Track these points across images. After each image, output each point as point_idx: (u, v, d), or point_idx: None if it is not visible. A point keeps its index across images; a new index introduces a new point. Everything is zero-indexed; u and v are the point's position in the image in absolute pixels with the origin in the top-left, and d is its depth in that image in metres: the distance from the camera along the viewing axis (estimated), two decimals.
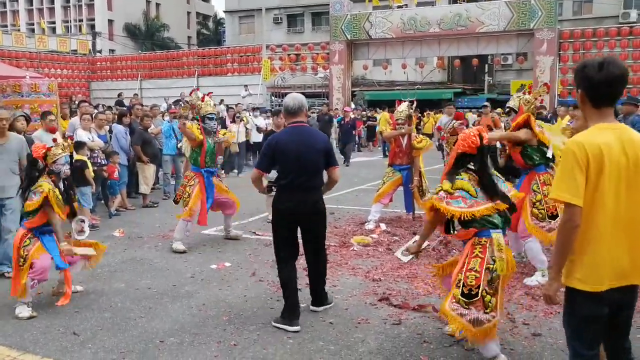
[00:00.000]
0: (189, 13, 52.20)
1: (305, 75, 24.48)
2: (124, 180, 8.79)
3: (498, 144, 10.10)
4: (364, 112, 21.94)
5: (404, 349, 3.72)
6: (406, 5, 24.82)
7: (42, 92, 8.64)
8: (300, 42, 25.69)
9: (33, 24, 45.55)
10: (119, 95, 21.79)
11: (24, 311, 4.33)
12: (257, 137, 13.34)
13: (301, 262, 4.44)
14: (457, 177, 3.50)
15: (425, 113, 21.23)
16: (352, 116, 17.89)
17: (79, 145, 7.29)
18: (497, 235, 3.42)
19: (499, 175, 3.62)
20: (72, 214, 4.70)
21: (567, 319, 2.44)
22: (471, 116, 16.57)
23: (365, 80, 29.07)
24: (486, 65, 30.12)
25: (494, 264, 3.34)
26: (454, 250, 5.85)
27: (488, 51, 22.98)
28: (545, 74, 19.93)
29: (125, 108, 12.93)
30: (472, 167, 3.51)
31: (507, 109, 5.55)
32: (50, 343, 3.88)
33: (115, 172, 8.38)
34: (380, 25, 21.92)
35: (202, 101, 6.50)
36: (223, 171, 12.18)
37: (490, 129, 9.09)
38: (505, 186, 3.55)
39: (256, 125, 13.80)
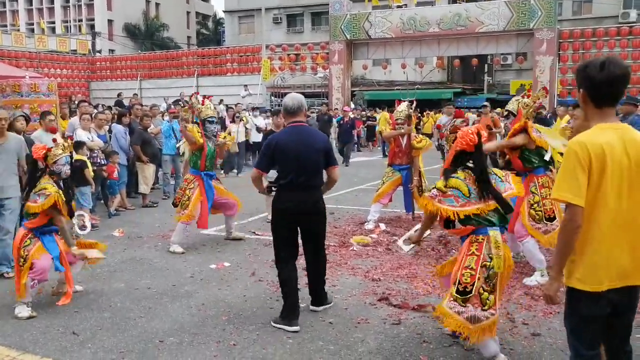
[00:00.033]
0: (188, 13, 52.20)
1: (305, 75, 24.48)
2: (123, 180, 8.79)
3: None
4: (363, 112, 21.94)
5: (404, 348, 3.72)
6: (406, 5, 24.81)
7: (41, 92, 8.64)
8: (300, 42, 25.70)
9: (33, 24, 45.55)
10: (119, 95, 21.79)
11: (23, 311, 4.33)
12: (256, 137, 13.35)
13: (301, 262, 4.44)
14: (452, 175, 3.51)
15: (424, 113, 21.24)
16: (352, 116, 17.89)
17: (78, 145, 7.29)
18: (494, 232, 3.44)
19: (498, 174, 3.62)
20: (70, 213, 4.70)
21: (568, 319, 2.44)
22: (471, 116, 16.56)
23: (365, 80, 29.08)
24: (486, 65, 30.12)
25: (490, 262, 3.36)
26: (453, 250, 5.86)
27: (488, 51, 22.98)
28: (544, 74, 19.94)
29: (124, 108, 12.93)
30: (470, 165, 3.51)
31: (507, 113, 5.57)
32: (49, 343, 3.88)
33: (114, 172, 8.38)
34: (379, 25, 21.92)
35: (203, 105, 6.49)
36: (222, 171, 12.27)
37: (490, 129, 9.10)
38: (503, 185, 3.55)
39: (256, 125, 13.80)
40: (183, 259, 5.95)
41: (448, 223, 3.56)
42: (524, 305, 4.44)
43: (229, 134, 12.76)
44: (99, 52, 33.96)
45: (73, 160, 5.02)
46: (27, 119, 6.78)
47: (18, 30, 36.99)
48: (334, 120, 17.53)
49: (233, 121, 13.55)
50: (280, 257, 4.21)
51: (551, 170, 5.18)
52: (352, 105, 22.09)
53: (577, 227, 2.25)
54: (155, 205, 9.16)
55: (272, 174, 4.39)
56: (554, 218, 4.93)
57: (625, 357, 2.47)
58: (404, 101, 7.50)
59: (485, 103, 13.98)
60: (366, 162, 16.24)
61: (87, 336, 3.97)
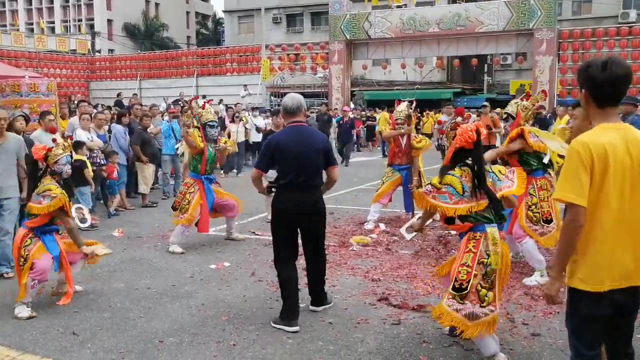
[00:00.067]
0: (188, 13, 52.19)
1: (305, 75, 24.48)
2: (123, 180, 8.79)
3: (498, 143, 10.08)
4: (363, 112, 21.94)
5: (403, 349, 3.72)
6: (405, 5, 24.80)
7: (41, 92, 8.64)
8: (300, 42, 25.69)
9: (32, 24, 45.54)
10: (118, 95, 21.78)
11: (23, 311, 4.32)
12: (256, 137, 13.36)
13: (300, 262, 4.44)
14: (449, 172, 3.52)
15: (424, 113, 21.25)
16: (352, 116, 17.89)
17: (77, 145, 7.29)
18: (491, 229, 3.45)
19: (496, 172, 3.61)
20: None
21: (569, 319, 2.43)
22: (471, 117, 16.57)
23: (365, 80, 29.08)
24: (485, 65, 30.12)
25: (488, 258, 3.37)
26: (453, 250, 5.86)
27: (487, 51, 22.98)
28: (544, 74, 19.95)
29: (124, 108, 12.93)
30: (469, 163, 3.52)
31: (505, 115, 5.60)
32: (49, 343, 3.88)
33: (114, 172, 8.38)
34: (379, 25, 21.92)
35: (203, 109, 6.49)
36: (222, 171, 12.27)
37: (490, 129, 9.12)
38: (500, 184, 3.55)
39: (255, 125, 13.80)
40: (183, 259, 5.95)
41: (449, 219, 3.57)
42: (524, 305, 4.44)
43: (229, 134, 12.87)
44: (99, 52, 33.95)
45: (73, 160, 5.02)
46: (27, 119, 6.78)
47: (17, 30, 36.96)
48: (334, 120, 17.53)
49: (233, 121, 13.56)
50: (279, 257, 4.21)
51: (549, 173, 5.24)
52: (352, 105, 22.09)
53: (580, 227, 2.25)
54: (154, 205, 9.16)
55: (272, 174, 4.39)
56: (551, 220, 5.02)
57: (627, 359, 2.47)
58: (404, 101, 7.50)
59: (485, 103, 13.98)
60: (366, 162, 16.24)
61: (87, 336, 3.97)
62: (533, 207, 5.06)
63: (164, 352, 3.71)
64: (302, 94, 4.62)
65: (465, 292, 3.36)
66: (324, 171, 4.27)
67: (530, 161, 5.09)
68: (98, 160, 7.99)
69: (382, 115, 18.44)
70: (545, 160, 5.14)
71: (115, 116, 10.09)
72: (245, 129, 13.65)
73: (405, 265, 5.53)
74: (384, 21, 21.87)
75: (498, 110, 13.35)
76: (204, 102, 6.64)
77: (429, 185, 3.58)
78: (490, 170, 3.58)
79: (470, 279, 3.35)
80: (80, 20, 44.03)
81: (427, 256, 5.87)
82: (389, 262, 5.68)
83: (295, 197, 4.09)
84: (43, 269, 4.37)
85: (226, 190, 6.83)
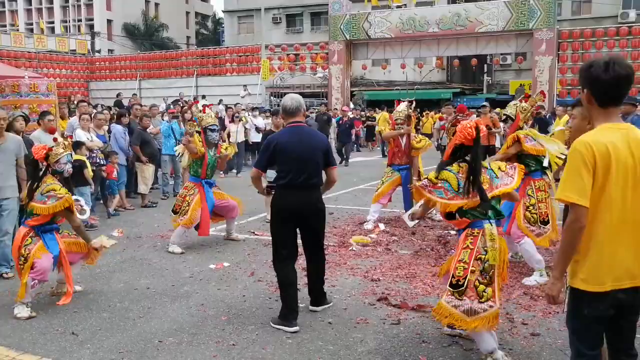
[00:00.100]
0: (187, 13, 52.19)
1: (304, 75, 24.48)
2: (122, 180, 8.79)
3: (497, 144, 10.08)
4: (362, 112, 21.95)
5: (403, 348, 3.72)
6: (405, 5, 24.83)
7: (40, 92, 8.64)
8: (299, 42, 25.70)
9: (32, 24, 45.53)
10: (118, 95, 21.78)
11: (22, 311, 4.32)
12: (256, 137, 13.36)
13: (300, 262, 4.44)
14: (446, 167, 3.54)
15: (424, 113, 21.25)
16: (351, 116, 17.89)
17: (77, 145, 7.29)
18: (489, 225, 3.47)
19: (494, 170, 3.61)
20: None
21: (570, 319, 2.43)
22: (472, 114, 16.57)
23: (364, 80, 29.08)
24: (485, 65, 30.13)
25: (485, 254, 3.38)
26: (452, 250, 5.85)
27: (487, 51, 23.00)
28: (544, 74, 19.96)
29: (124, 108, 12.93)
30: (467, 159, 3.53)
31: (504, 117, 5.62)
32: (49, 343, 3.88)
33: (114, 172, 8.38)
34: (379, 25, 21.92)
35: (204, 113, 6.49)
36: (222, 172, 12.26)
37: (490, 129, 9.12)
38: (497, 181, 3.55)
39: (255, 125, 13.80)
40: (182, 259, 5.95)
41: (449, 214, 3.58)
42: (524, 305, 4.44)
43: (228, 134, 12.87)
44: (98, 52, 33.93)
45: (72, 160, 5.02)
46: (26, 119, 6.78)
47: (17, 30, 36.94)
48: (334, 120, 17.53)
49: (232, 121, 13.56)
50: (279, 257, 4.20)
51: (547, 175, 5.28)
52: (352, 106, 22.09)
53: (582, 228, 2.24)
54: (154, 205, 9.16)
55: (272, 174, 4.39)
56: (548, 222, 5.09)
57: None
58: (404, 101, 7.51)
59: (485, 103, 13.97)
60: (365, 162, 16.24)
61: (87, 336, 3.97)
62: (531, 207, 5.11)
63: (164, 352, 3.71)
64: (301, 94, 4.63)
65: (463, 288, 3.38)
66: (323, 171, 4.28)
67: (528, 163, 5.11)
68: (98, 161, 7.98)
69: (381, 116, 18.43)
70: (545, 163, 5.20)
71: (115, 116, 10.08)
72: (245, 129, 13.65)
73: (405, 265, 5.53)
74: (384, 21, 21.88)
75: (498, 110, 13.35)
76: (204, 106, 6.64)
77: (426, 180, 3.60)
78: (489, 167, 3.58)
79: (467, 275, 3.38)
80: (79, 20, 44.04)
81: (426, 256, 5.87)
82: (389, 262, 5.68)
83: (295, 197, 4.09)
84: (44, 268, 4.38)
85: (226, 191, 6.84)
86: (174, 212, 6.38)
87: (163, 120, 10.93)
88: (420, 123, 19.52)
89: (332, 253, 5.92)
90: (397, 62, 25.39)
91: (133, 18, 43.99)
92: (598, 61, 2.31)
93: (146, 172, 9.24)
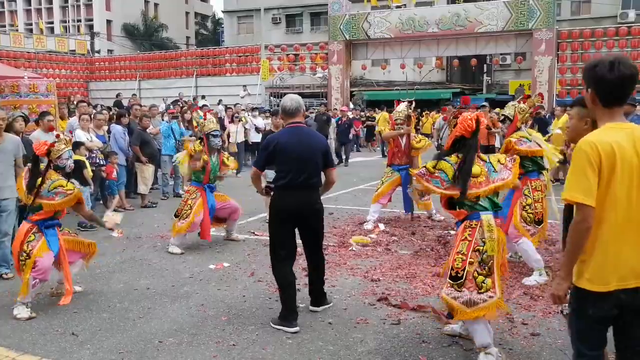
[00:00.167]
0: (187, 13, 52.17)
1: (304, 75, 24.48)
2: (122, 180, 8.78)
3: (497, 144, 10.08)
4: (362, 112, 21.95)
5: (403, 348, 3.72)
6: (405, 5, 24.83)
7: (40, 92, 8.65)
8: (299, 42, 25.69)
9: (31, 24, 45.49)
10: (118, 95, 21.76)
11: (22, 312, 4.32)
12: (255, 137, 13.35)
13: (300, 262, 4.44)
14: (445, 158, 3.57)
15: (424, 113, 21.26)
16: (351, 116, 17.88)
17: (77, 146, 7.27)
18: (486, 217, 3.49)
19: (493, 164, 3.61)
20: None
21: (574, 319, 2.42)
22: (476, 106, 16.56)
23: (364, 80, 29.08)
24: (485, 65, 30.14)
25: (484, 246, 3.40)
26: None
27: (487, 51, 23.00)
28: (543, 74, 19.97)
29: (123, 108, 12.93)
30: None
31: (503, 117, 5.63)
32: (49, 344, 3.87)
33: (113, 173, 8.37)
34: (378, 25, 21.92)
35: (205, 119, 6.49)
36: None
37: (489, 129, 9.12)
38: (495, 175, 3.55)
39: (255, 125, 13.80)
40: (182, 260, 5.95)
41: (450, 204, 3.59)
42: (524, 305, 4.44)
43: (228, 135, 12.86)
44: (98, 52, 33.90)
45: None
46: (26, 120, 6.78)
47: (17, 30, 36.95)
48: (333, 120, 17.54)
49: (232, 121, 13.55)
50: (277, 257, 4.19)
51: (544, 175, 5.33)
52: (352, 106, 22.09)
53: (589, 228, 2.23)
54: (154, 205, 9.16)
55: (271, 174, 4.39)
56: (542, 221, 5.16)
57: None
58: (403, 101, 7.51)
59: (485, 103, 13.99)
60: (365, 162, 16.25)
61: (86, 337, 3.97)
62: (527, 207, 5.14)
63: (164, 352, 3.71)
64: (301, 94, 4.64)
65: (462, 280, 3.40)
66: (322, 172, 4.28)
67: (524, 163, 5.13)
68: (97, 161, 7.98)
69: (381, 116, 18.42)
70: (546, 166, 5.29)
71: (115, 116, 10.08)
72: (245, 129, 13.65)
73: (405, 265, 5.53)
74: (383, 21, 21.88)
75: (497, 110, 13.35)
76: (205, 112, 6.64)
77: (424, 169, 3.64)
78: (488, 161, 3.59)
79: (465, 267, 3.40)
80: (79, 20, 44.00)
81: (426, 256, 5.87)
82: (389, 262, 5.68)
83: (294, 198, 4.10)
84: (45, 268, 4.38)
85: (225, 191, 6.84)
86: (176, 215, 6.35)
87: (163, 120, 10.93)
88: (420, 123, 19.55)
89: (332, 253, 5.92)
90: (396, 62, 25.39)
91: (132, 18, 43.98)
92: (603, 61, 2.31)
93: (146, 173, 9.24)
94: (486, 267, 3.40)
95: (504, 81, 29.93)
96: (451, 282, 3.45)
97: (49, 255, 4.44)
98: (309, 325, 4.10)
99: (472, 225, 3.49)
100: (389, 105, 18.40)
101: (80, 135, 7.90)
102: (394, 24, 21.72)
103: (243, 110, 15.07)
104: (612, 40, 19.69)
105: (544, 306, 4.38)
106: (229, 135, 12.95)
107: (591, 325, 2.35)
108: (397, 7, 23.21)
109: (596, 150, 2.22)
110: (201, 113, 6.65)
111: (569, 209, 2.61)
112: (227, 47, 28.27)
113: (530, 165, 5.20)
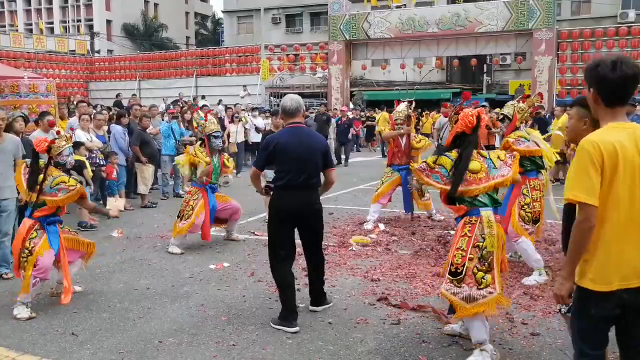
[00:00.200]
0: (187, 13, 52.16)
1: (304, 75, 24.47)
2: (122, 180, 8.79)
3: (497, 144, 10.08)
4: (362, 112, 21.94)
5: (403, 348, 3.72)
6: (405, 5, 24.82)
7: (40, 92, 8.66)
8: (299, 42, 25.69)
9: (31, 24, 45.48)
10: (118, 95, 21.76)
11: (22, 312, 4.32)
12: (255, 137, 13.35)
13: (300, 262, 4.44)
14: (445, 154, 3.58)
15: (424, 113, 21.25)
16: (351, 116, 17.87)
17: (76, 146, 7.27)
18: (486, 213, 3.50)
19: (493, 160, 3.61)
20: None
21: (576, 318, 2.42)
22: (478, 102, 16.53)
23: (364, 80, 29.08)
24: (485, 65, 30.14)
25: (483, 242, 3.41)
26: None
27: (487, 51, 22.99)
28: (543, 74, 19.96)
29: (123, 108, 12.93)
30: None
31: (502, 117, 5.65)
32: (49, 344, 3.87)
33: (113, 173, 8.37)
34: (378, 25, 21.92)
35: (206, 120, 6.49)
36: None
37: (489, 129, 9.12)
38: (494, 172, 3.56)
39: (255, 125, 13.80)
40: (182, 260, 5.95)
41: (449, 199, 3.59)
42: (524, 305, 4.44)
43: (228, 135, 12.85)
44: (98, 52, 33.89)
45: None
46: (26, 120, 6.78)
47: (16, 30, 36.93)
48: (333, 120, 17.54)
49: (232, 121, 13.55)
50: (276, 257, 4.19)
51: (542, 174, 5.33)
52: (352, 106, 22.08)
53: (591, 227, 2.23)
54: (154, 205, 9.16)
55: (271, 174, 4.39)
56: (538, 220, 5.21)
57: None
58: (403, 101, 7.51)
59: (485, 103, 13.98)
60: (365, 162, 16.25)
61: (86, 337, 3.97)
62: (525, 206, 5.16)
63: (164, 352, 3.71)
64: (301, 94, 4.64)
65: (461, 276, 3.41)
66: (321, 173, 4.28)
67: (523, 163, 5.13)
68: (97, 161, 7.98)
69: (381, 116, 18.43)
70: (546, 166, 5.29)
71: (115, 117, 10.08)
72: (245, 129, 13.65)
73: (405, 265, 5.53)
74: (383, 21, 21.88)
75: (497, 110, 13.34)
76: (206, 112, 6.63)
77: (424, 164, 3.66)
78: (488, 157, 3.60)
79: (465, 263, 3.41)
80: (79, 20, 43.98)
81: (426, 256, 5.87)
82: (389, 262, 5.68)
83: (293, 198, 4.10)
84: (46, 266, 4.39)
85: (225, 191, 6.83)
86: (179, 217, 6.33)
87: (163, 120, 10.93)
88: (420, 123, 19.54)
89: (332, 253, 5.92)
90: (396, 62, 25.39)
91: (132, 18, 43.96)
92: (605, 60, 2.30)
93: (146, 173, 9.24)
94: (486, 263, 3.41)
95: (504, 81, 29.93)
96: (451, 277, 3.47)
97: (50, 254, 4.44)
98: (309, 325, 4.10)
99: (471, 221, 3.50)
100: (389, 105, 18.41)
101: (80, 136, 7.90)
102: (394, 24, 21.71)
103: (243, 110, 15.06)
104: (612, 40, 19.68)
105: (544, 306, 4.38)
106: (229, 136, 12.95)
107: (594, 325, 2.34)
108: (397, 7, 23.19)
109: (599, 150, 2.22)
110: (202, 114, 6.63)
111: (569, 209, 2.61)
112: (227, 47, 28.26)
113: (529, 164, 5.21)
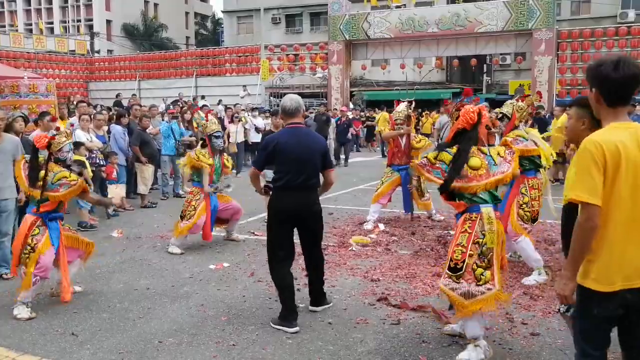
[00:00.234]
0: (187, 13, 52.15)
1: (304, 75, 24.47)
2: (122, 180, 8.78)
3: (496, 143, 10.11)
4: (362, 113, 21.94)
5: (403, 348, 3.72)
6: (404, 5, 24.82)
7: (40, 92, 8.66)
8: (299, 42, 25.68)
9: (31, 24, 45.47)
10: (118, 95, 21.76)
11: (22, 312, 4.32)
12: (255, 137, 13.35)
13: (300, 262, 4.44)
14: (446, 149, 3.59)
15: (423, 113, 21.25)
16: (350, 116, 17.86)
17: (76, 146, 7.27)
18: (486, 209, 3.50)
19: (493, 157, 3.61)
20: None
21: (578, 318, 2.42)
22: (479, 99, 16.56)
23: (364, 81, 29.08)
24: (484, 65, 30.14)
25: (483, 238, 3.42)
26: None
27: (486, 51, 22.99)
28: (543, 74, 19.96)
29: (123, 108, 12.93)
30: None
31: (501, 115, 5.65)
32: (49, 344, 3.87)
33: (113, 173, 8.37)
34: (378, 25, 21.92)
35: (207, 120, 6.49)
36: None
37: (489, 129, 9.12)
38: (495, 168, 3.57)
39: (255, 125, 13.81)
40: (182, 260, 5.95)
41: (449, 195, 3.60)
42: (523, 305, 4.44)
43: (228, 135, 12.85)
44: (98, 52, 33.89)
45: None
46: (26, 120, 6.78)
47: (16, 30, 36.92)
48: (333, 120, 17.53)
49: (232, 121, 13.56)
50: (276, 258, 4.19)
51: (541, 173, 5.34)
52: (351, 106, 22.07)
53: (595, 227, 2.22)
54: (154, 205, 9.16)
55: (271, 174, 4.39)
56: (537, 219, 5.24)
57: None
58: (403, 101, 7.51)
59: (485, 103, 13.97)
60: (365, 162, 16.25)
61: (86, 337, 3.97)
62: (524, 205, 5.17)
63: (164, 352, 3.71)
64: (301, 94, 4.64)
65: (461, 272, 3.42)
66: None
67: (521, 162, 5.13)
68: (97, 161, 7.98)
69: (381, 116, 18.42)
70: (544, 165, 5.29)
71: (114, 117, 10.08)
72: (245, 129, 13.65)
73: (405, 266, 5.53)
74: (383, 21, 21.88)
75: (497, 110, 13.35)
76: (206, 112, 6.63)
77: (425, 159, 3.67)
78: (488, 154, 3.60)
79: (465, 259, 3.42)
80: (79, 20, 43.96)
81: (426, 256, 5.87)
82: (388, 262, 5.68)
83: (292, 199, 4.10)
84: (46, 265, 4.40)
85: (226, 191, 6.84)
86: (181, 217, 6.33)
87: (162, 120, 10.93)
88: (420, 123, 19.53)
89: (332, 253, 5.92)
90: (396, 62, 25.38)
91: (132, 18, 43.95)
92: (607, 60, 2.30)
93: (146, 173, 9.24)
94: (485, 260, 3.42)
95: (504, 81, 29.93)
96: (450, 273, 3.47)
97: (51, 252, 4.45)
98: (309, 325, 4.10)
99: (472, 217, 3.51)
100: (389, 105, 18.41)
101: (80, 136, 7.90)
102: (393, 24, 21.71)
103: (243, 110, 15.07)
104: (612, 40, 19.68)
105: (544, 306, 4.38)
106: (228, 136, 12.95)
107: (596, 325, 2.34)
108: (397, 7, 23.19)
109: (601, 150, 2.22)
110: (203, 114, 6.63)
111: (569, 209, 2.60)
112: (227, 47, 28.25)
113: (528, 163, 5.21)
